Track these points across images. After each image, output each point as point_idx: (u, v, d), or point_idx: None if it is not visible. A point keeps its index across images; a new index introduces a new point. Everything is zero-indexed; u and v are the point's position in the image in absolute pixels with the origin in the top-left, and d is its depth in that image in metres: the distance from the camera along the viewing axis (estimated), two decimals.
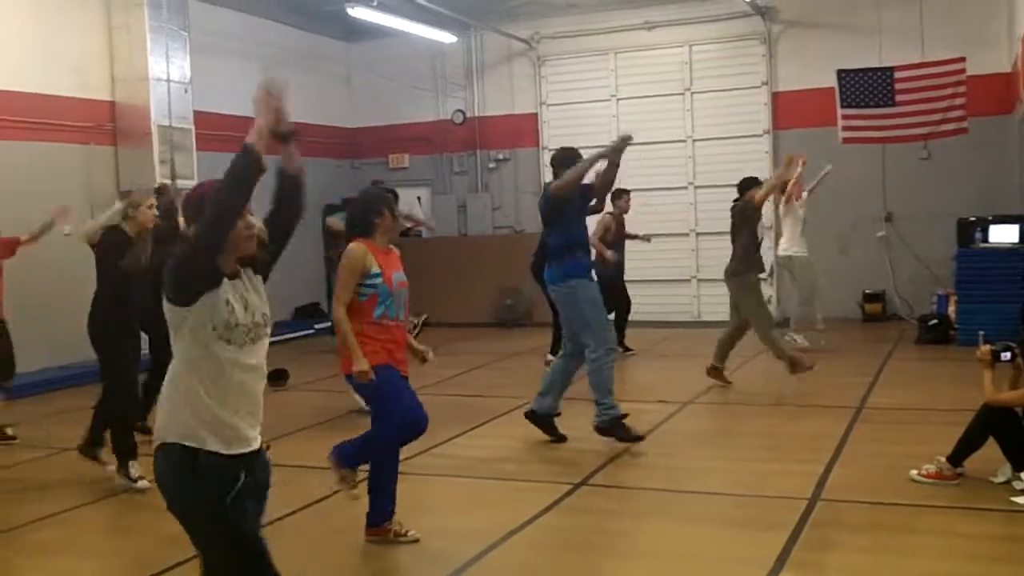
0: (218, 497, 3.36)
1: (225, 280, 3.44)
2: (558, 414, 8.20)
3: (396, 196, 7.35)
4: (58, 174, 12.23)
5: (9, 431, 9.03)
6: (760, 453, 7.76)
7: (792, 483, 6.63)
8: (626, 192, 12.64)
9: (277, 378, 11.40)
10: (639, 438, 7.83)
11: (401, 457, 7.51)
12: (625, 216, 12.68)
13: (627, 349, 12.73)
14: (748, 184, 10.37)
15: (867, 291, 15.03)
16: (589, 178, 8.00)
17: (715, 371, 10.33)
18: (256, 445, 3.53)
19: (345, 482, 5.97)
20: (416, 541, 5.72)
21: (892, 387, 9.99)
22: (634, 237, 12.95)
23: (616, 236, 12.49)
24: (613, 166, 7.91)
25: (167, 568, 5.41)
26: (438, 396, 9.87)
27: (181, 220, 3.71)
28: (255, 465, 3.51)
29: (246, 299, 3.52)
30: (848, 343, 13.14)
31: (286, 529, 6.16)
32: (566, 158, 7.90)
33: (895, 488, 6.41)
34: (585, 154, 7.98)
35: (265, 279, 3.68)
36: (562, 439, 8.09)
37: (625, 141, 7.78)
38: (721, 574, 5.21)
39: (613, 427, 7.81)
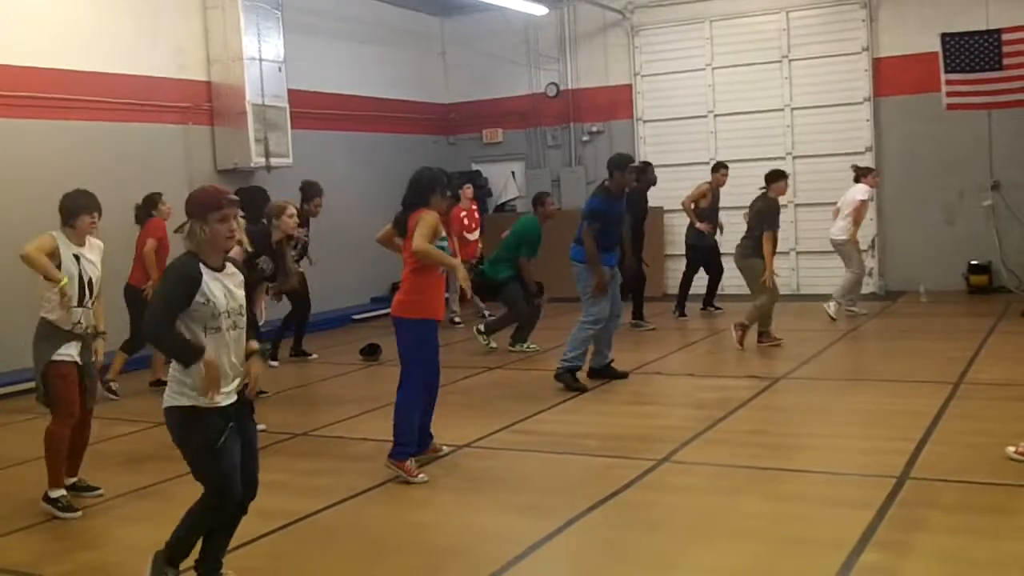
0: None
1: (207, 272, 4.34)
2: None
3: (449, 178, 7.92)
4: (158, 155, 12.48)
5: (113, 386, 9.87)
6: (850, 430, 7.59)
7: (882, 461, 6.46)
8: (724, 166, 13.22)
9: (371, 352, 11.55)
10: (584, 389, 9.02)
11: (484, 432, 7.60)
12: (721, 189, 13.15)
13: (717, 308, 13.93)
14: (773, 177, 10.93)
15: (973, 262, 14.53)
16: None
17: (766, 336, 10.97)
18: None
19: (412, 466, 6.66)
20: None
21: (993, 362, 9.66)
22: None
23: (710, 206, 13.25)
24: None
25: (254, 538, 5.53)
26: (527, 371, 9.88)
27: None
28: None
29: (227, 289, 4.42)
30: (951, 316, 12.79)
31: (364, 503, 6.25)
32: (621, 162, 9.54)
33: (990, 467, 6.19)
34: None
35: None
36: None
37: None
38: (803, 554, 5.09)
39: (567, 375, 9.07)
